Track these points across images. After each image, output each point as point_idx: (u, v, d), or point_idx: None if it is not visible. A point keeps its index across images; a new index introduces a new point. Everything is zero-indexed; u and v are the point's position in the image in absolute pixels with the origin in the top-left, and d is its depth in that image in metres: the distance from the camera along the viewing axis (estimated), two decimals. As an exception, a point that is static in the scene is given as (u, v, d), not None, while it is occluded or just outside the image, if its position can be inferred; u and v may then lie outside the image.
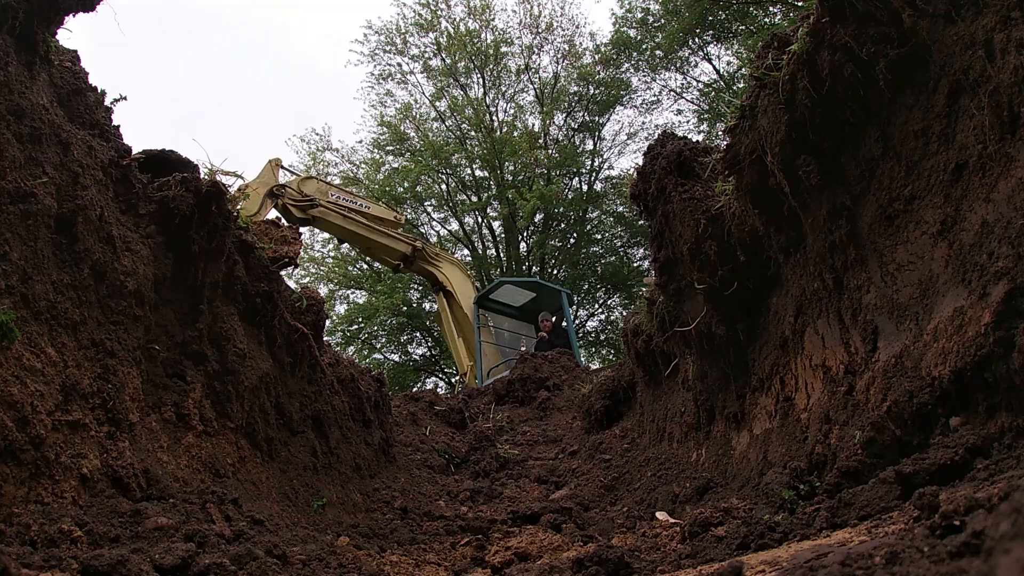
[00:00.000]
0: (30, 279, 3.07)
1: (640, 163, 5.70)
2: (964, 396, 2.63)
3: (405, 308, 22.96)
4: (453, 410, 9.98)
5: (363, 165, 25.23)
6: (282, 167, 12.69)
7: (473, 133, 25.17)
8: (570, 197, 25.21)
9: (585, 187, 25.96)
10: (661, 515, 4.40)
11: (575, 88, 25.13)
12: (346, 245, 24.97)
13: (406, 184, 24.14)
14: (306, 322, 6.04)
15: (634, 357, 8.26)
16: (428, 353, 25.66)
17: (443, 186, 25.50)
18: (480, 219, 25.91)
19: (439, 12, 24.65)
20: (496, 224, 25.40)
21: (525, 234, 25.52)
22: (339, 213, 13.36)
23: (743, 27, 19.01)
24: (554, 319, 15.52)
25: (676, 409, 7.35)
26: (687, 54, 22.43)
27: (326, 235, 25.12)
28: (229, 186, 4.75)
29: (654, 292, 6.08)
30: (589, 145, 26.25)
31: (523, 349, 14.53)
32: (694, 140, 5.39)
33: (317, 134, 25.61)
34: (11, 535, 2.39)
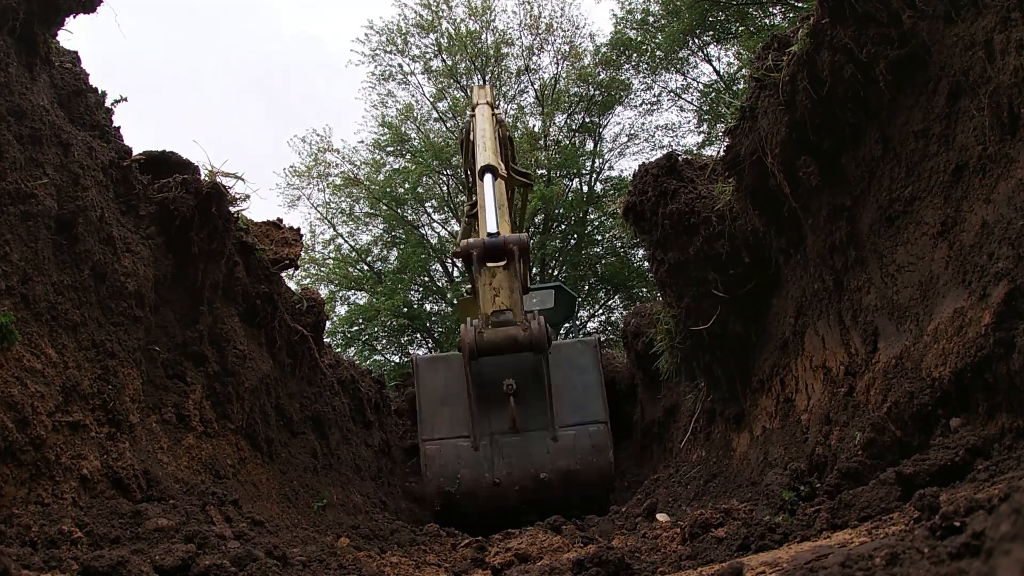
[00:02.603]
0: (30, 280, 3.07)
1: (632, 179, 5.68)
2: (964, 397, 2.63)
3: (406, 310, 22.95)
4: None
5: (364, 166, 25.25)
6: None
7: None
8: (570, 198, 25.20)
9: (586, 188, 25.96)
10: (661, 516, 4.40)
11: (575, 89, 25.13)
12: (346, 245, 24.98)
13: (407, 185, 24.16)
14: (306, 323, 6.04)
15: (634, 359, 8.25)
16: (428, 355, 25.65)
17: (444, 187, 25.50)
18: (480, 220, 25.81)
19: (440, 13, 24.68)
20: (496, 225, 25.29)
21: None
22: None
23: (743, 28, 19.01)
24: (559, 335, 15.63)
25: (676, 410, 7.34)
26: (687, 55, 22.44)
27: (327, 236, 25.19)
28: (229, 187, 4.76)
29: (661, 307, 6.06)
30: (589, 146, 26.25)
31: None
32: (682, 152, 5.40)
33: (318, 134, 25.58)
34: (11, 536, 2.39)
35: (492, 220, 6.14)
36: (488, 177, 7.11)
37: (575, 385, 7.20)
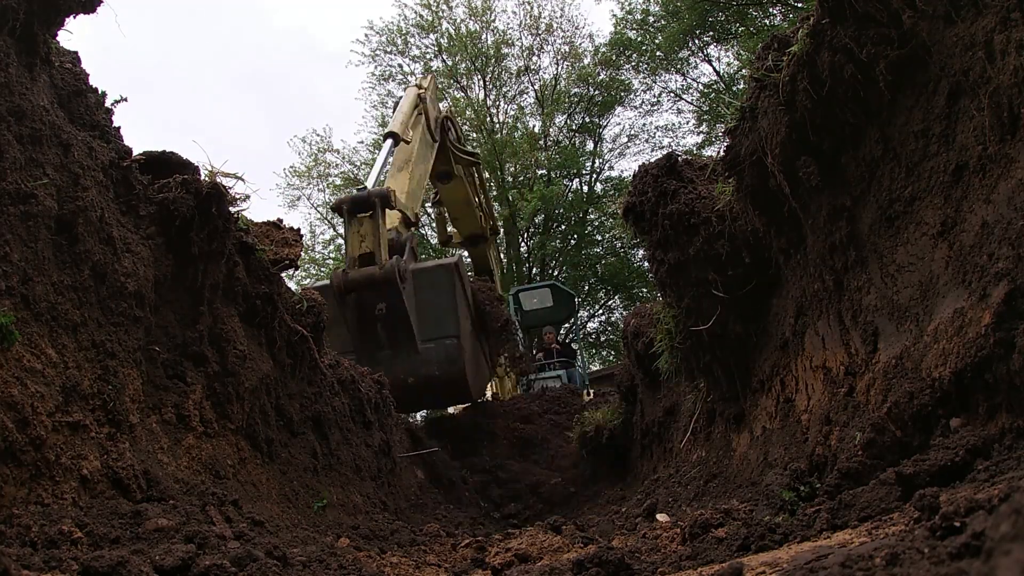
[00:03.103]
0: (30, 280, 3.07)
1: (632, 179, 5.70)
2: (964, 397, 2.63)
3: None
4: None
5: (364, 166, 25.26)
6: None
7: (474, 135, 25.20)
8: (570, 198, 25.22)
9: (586, 188, 25.99)
10: (661, 516, 4.40)
11: (575, 89, 25.15)
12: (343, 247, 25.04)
13: (407, 185, 24.20)
14: (306, 324, 6.03)
15: (634, 359, 8.26)
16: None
17: (443, 187, 25.51)
18: (480, 220, 25.81)
19: (440, 13, 24.70)
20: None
21: (526, 235, 25.49)
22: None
23: (743, 28, 19.02)
24: (559, 334, 16.38)
25: (676, 410, 7.34)
26: (687, 55, 22.44)
27: (327, 236, 25.18)
28: (229, 188, 4.75)
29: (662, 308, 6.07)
30: (589, 146, 26.28)
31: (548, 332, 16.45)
32: (682, 152, 5.42)
33: (318, 135, 25.60)
34: (11, 536, 2.39)
35: (372, 178, 7.61)
36: (389, 142, 8.80)
37: (433, 305, 8.81)
